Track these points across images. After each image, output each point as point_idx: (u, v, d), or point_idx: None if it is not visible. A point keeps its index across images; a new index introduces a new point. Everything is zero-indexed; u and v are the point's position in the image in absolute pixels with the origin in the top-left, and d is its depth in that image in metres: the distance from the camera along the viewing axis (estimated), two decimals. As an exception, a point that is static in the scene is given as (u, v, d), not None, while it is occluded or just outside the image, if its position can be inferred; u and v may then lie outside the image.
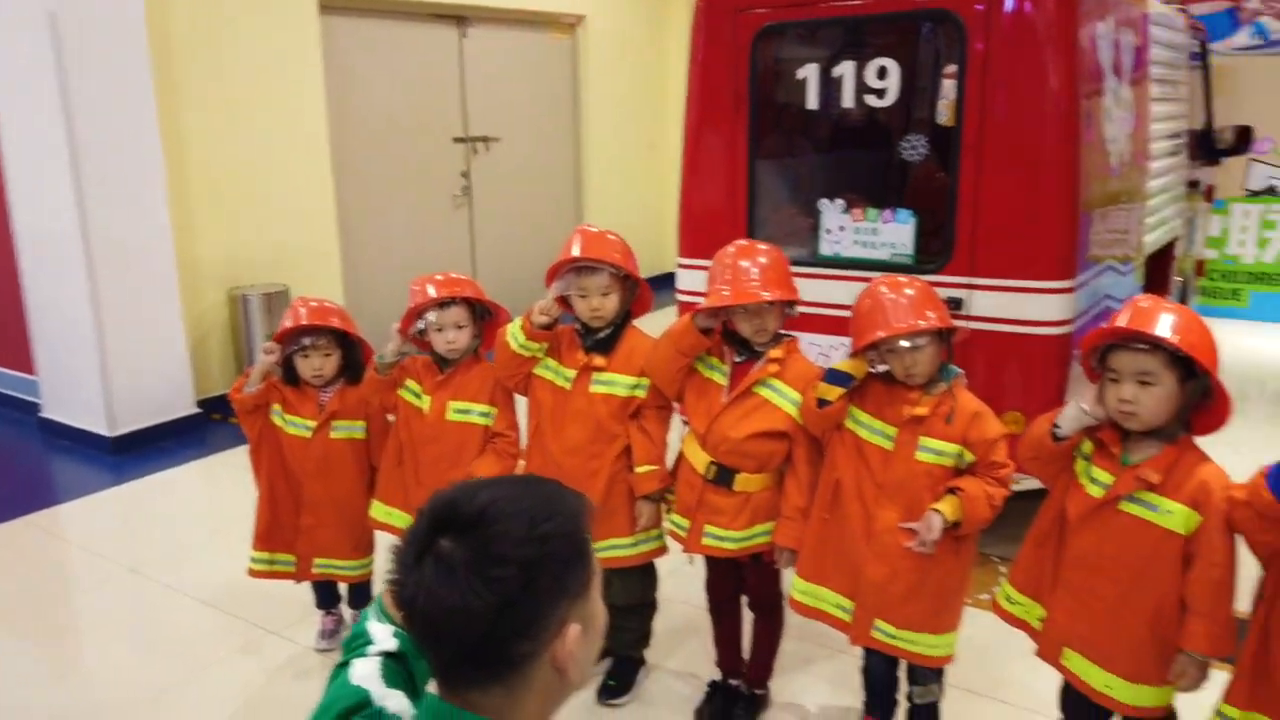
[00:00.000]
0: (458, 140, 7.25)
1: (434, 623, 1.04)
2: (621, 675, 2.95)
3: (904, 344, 2.33)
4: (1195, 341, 2.02)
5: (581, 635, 1.09)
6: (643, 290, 2.77)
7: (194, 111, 5.47)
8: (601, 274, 2.65)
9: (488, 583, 1.02)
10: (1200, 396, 2.09)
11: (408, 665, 1.25)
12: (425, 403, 2.88)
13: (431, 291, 2.79)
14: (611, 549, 2.76)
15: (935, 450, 2.38)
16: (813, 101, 3.75)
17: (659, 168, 9.03)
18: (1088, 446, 2.20)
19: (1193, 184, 5.67)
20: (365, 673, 1.21)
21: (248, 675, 3.13)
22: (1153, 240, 4.73)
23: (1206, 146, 6.03)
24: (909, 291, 2.38)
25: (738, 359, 2.60)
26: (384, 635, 1.27)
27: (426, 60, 6.95)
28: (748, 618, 2.84)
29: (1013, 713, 2.82)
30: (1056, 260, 3.40)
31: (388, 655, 1.25)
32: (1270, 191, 7.42)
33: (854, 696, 2.74)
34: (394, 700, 1.17)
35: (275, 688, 3.06)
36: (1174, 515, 2.06)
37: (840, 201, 3.76)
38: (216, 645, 3.29)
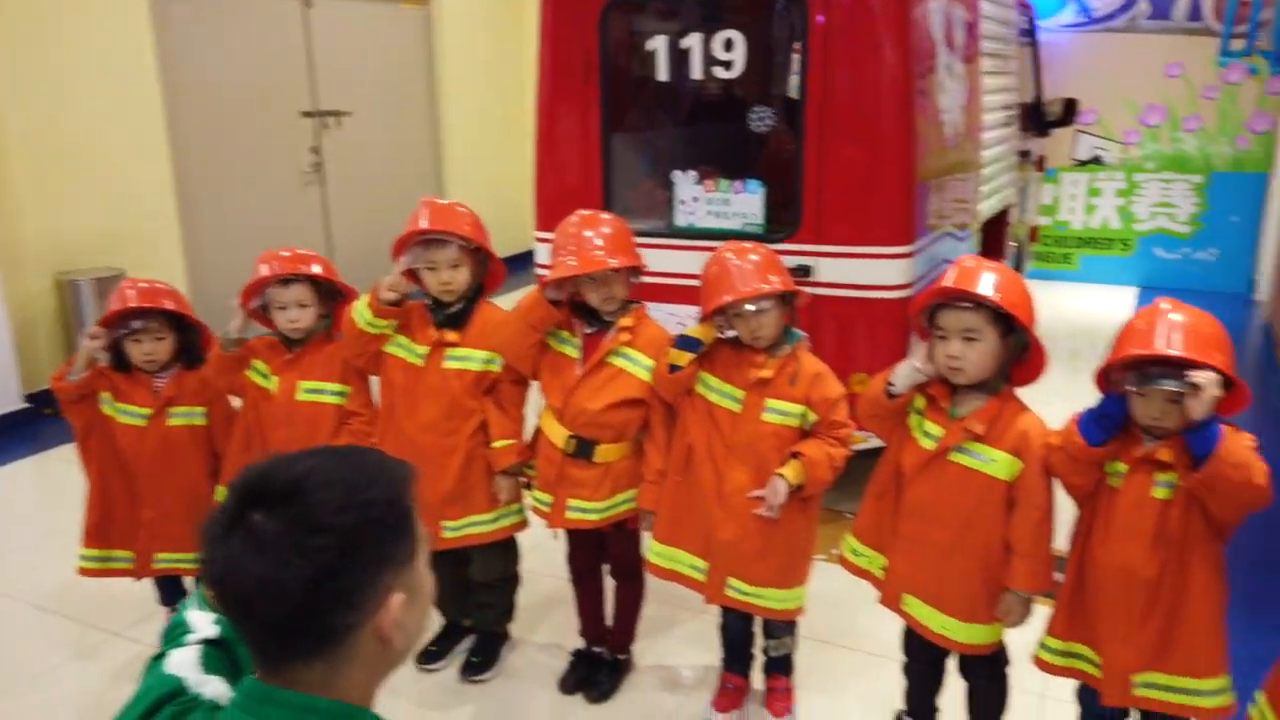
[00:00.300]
0: (306, 115, 6.96)
1: (245, 598, 1.01)
2: (485, 651, 2.94)
3: (749, 308, 2.39)
4: (1014, 299, 2.14)
5: (406, 603, 1.08)
6: (495, 264, 2.74)
7: (11, 87, 5.06)
8: (450, 247, 2.60)
9: (303, 553, 0.99)
10: (1020, 351, 2.23)
11: (231, 651, 1.20)
12: (273, 383, 2.78)
13: (264, 270, 2.68)
14: (471, 526, 2.74)
15: (780, 411, 2.45)
16: (663, 73, 3.78)
17: (523, 142, 8.91)
18: (920, 402, 2.31)
19: (1024, 154, 6.01)
20: (181, 661, 1.16)
21: (86, 680, 2.96)
22: (988, 208, 4.99)
23: (1037, 118, 6.40)
24: (753, 257, 2.44)
25: (588, 330, 2.60)
26: (204, 623, 1.22)
27: (268, 31, 6.63)
28: (611, 585, 2.88)
29: (862, 659, 2.96)
30: (895, 227, 3.55)
31: (209, 642, 1.20)
32: (1096, 161, 7.94)
33: (714, 654, 2.81)
34: (211, 686, 1.13)
35: (119, 690, 2.90)
36: (998, 463, 2.19)
37: (693, 173, 3.81)
38: (51, 651, 3.10)
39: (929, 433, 2.27)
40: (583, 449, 2.58)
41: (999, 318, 2.16)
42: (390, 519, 1.08)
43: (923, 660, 2.50)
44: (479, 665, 2.90)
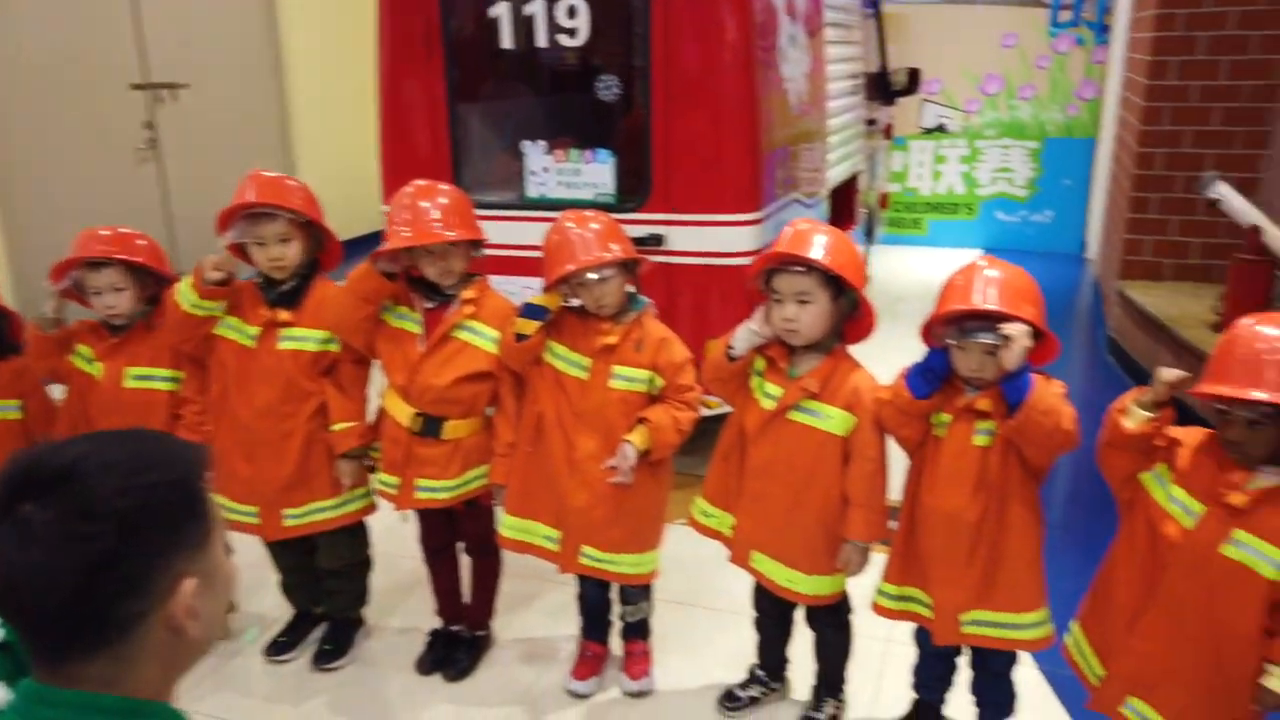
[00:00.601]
0: (137, 87, 6.53)
1: (15, 592, 0.95)
2: (337, 639, 2.87)
3: (592, 276, 2.38)
4: (844, 262, 2.21)
5: (200, 590, 1.03)
6: (330, 240, 2.64)
7: None
8: (279, 220, 2.49)
9: (76, 540, 0.94)
10: (851, 310, 2.30)
11: (15, 655, 1.12)
12: (98, 369, 2.61)
13: (78, 249, 2.51)
14: (315, 513, 2.65)
15: (627, 378, 2.46)
16: (507, 41, 3.70)
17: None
18: (760, 364, 2.36)
19: (871, 122, 6.19)
20: None
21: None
22: (836, 175, 5.12)
23: (883, 88, 6.60)
24: (594, 226, 2.43)
25: (428, 305, 2.54)
26: None
27: (88, -3, 6.18)
28: (467, 563, 2.84)
29: (718, 617, 3.02)
30: (742, 194, 3.60)
31: None
32: (941, 129, 8.27)
33: (574, 625, 2.82)
34: None
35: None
36: (833, 419, 2.26)
37: (542, 143, 3.77)
38: None
39: (769, 393, 2.32)
40: (430, 426, 2.53)
41: (830, 280, 2.22)
42: (177, 501, 1.02)
43: (772, 614, 2.58)
44: (331, 653, 2.82)
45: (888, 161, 7.79)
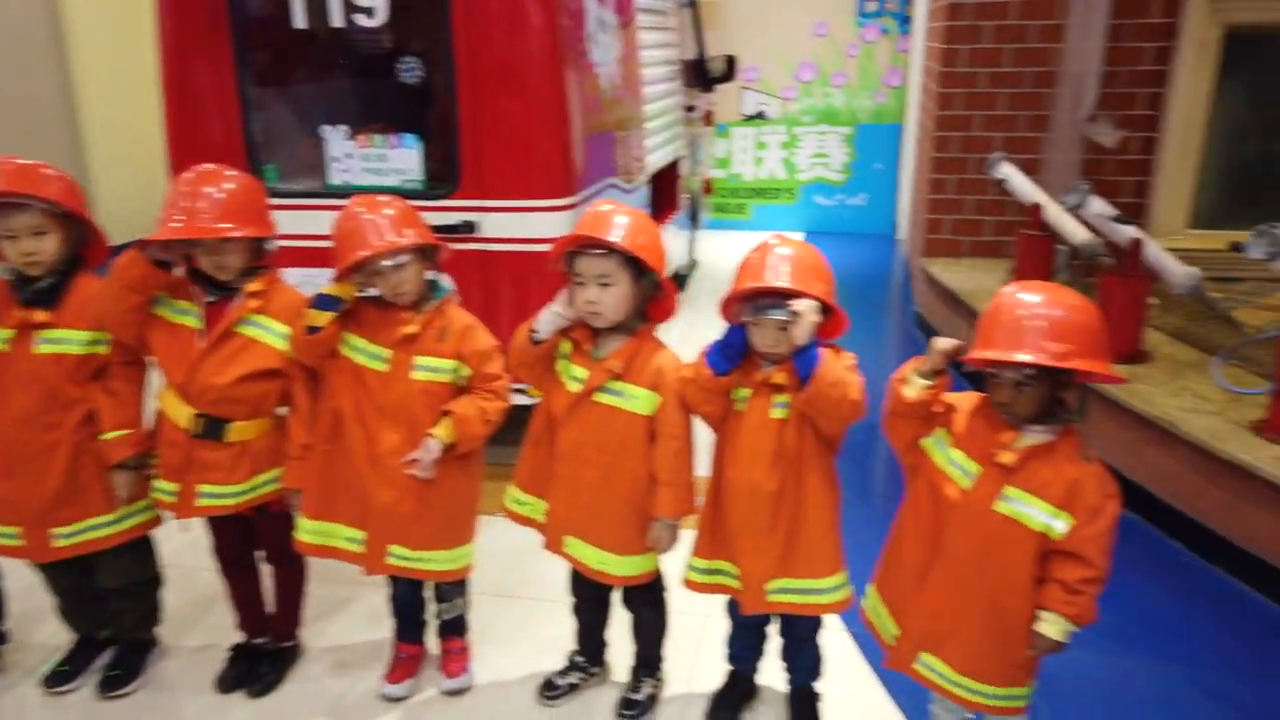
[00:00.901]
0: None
1: None
2: (126, 662, 2.65)
3: (386, 263, 2.29)
4: (644, 243, 2.20)
5: None
6: (94, 234, 2.42)
7: None
8: (30, 211, 2.27)
9: None
10: (654, 291, 2.30)
11: None
12: None
13: None
14: (89, 530, 2.45)
15: (430, 368, 2.38)
16: (300, 20, 3.52)
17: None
18: (566, 347, 2.33)
19: (690, 109, 6.27)
20: None
21: None
22: (656, 160, 5.16)
23: (701, 75, 6.70)
24: (388, 211, 2.33)
25: (209, 299, 2.38)
26: None
27: None
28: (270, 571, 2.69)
29: (538, 606, 2.99)
30: (554, 180, 3.56)
31: None
32: (760, 115, 8.49)
33: (388, 628, 2.71)
34: None
35: None
36: (638, 399, 2.26)
37: (343, 128, 3.60)
38: None
39: (575, 376, 2.30)
40: (212, 428, 2.37)
41: (631, 262, 2.21)
42: None
43: (588, 599, 2.57)
44: (119, 678, 2.61)
45: (710, 148, 7.93)
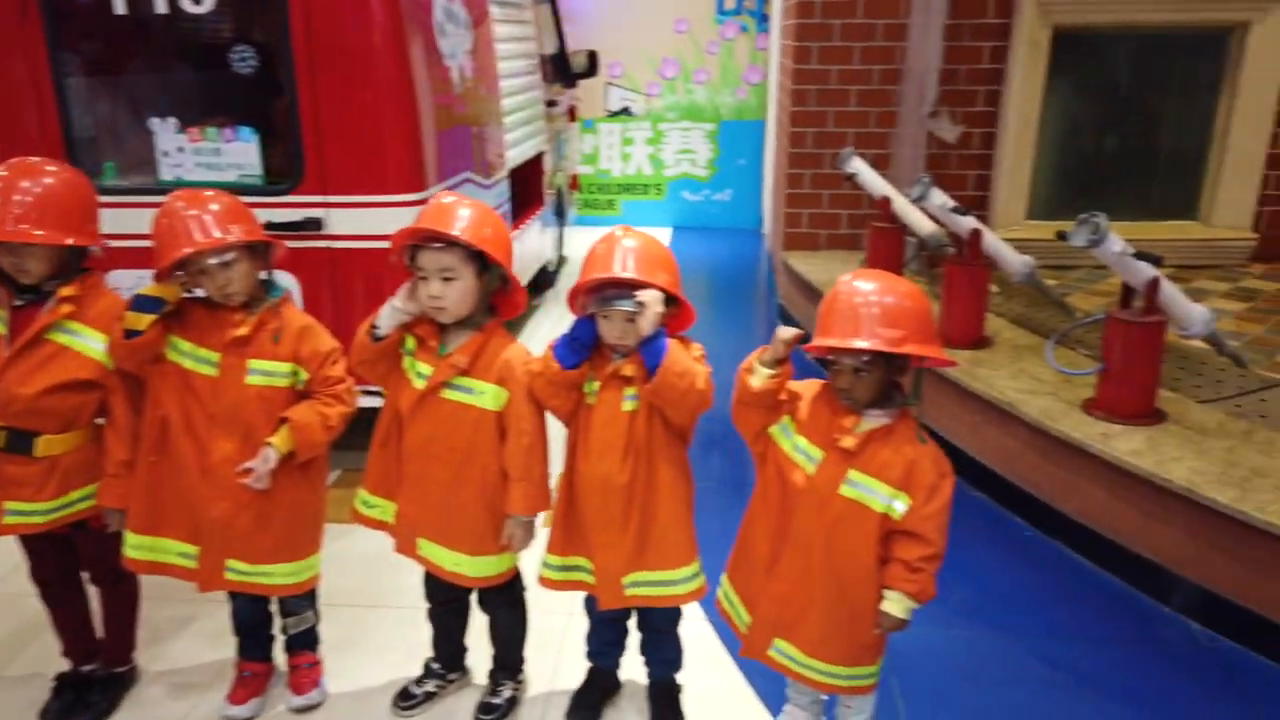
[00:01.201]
0: None
1: None
2: (-69, 701, 2.44)
3: (211, 261, 2.16)
4: (486, 237, 2.15)
5: None
6: None
7: None
8: None
9: None
10: (500, 285, 2.25)
11: None
12: None
13: None
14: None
15: (265, 371, 2.27)
16: (120, 6, 3.30)
17: None
18: (411, 343, 2.26)
19: (552, 104, 6.22)
20: None
21: None
22: (517, 155, 5.10)
23: (563, 70, 6.66)
24: (213, 206, 2.20)
25: (17, 303, 2.20)
26: None
27: None
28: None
29: (396, 614, 2.90)
30: (404, 174, 3.46)
31: None
32: (626, 111, 8.52)
33: (233, 647, 2.57)
34: None
35: None
36: (486, 395, 2.21)
37: (173, 121, 3.40)
38: None
39: (421, 372, 2.23)
40: (17, 441, 2.19)
41: (475, 255, 2.16)
42: None
43: (445, 602, 2.50)
44: (-76, 720, 2.40)
45: (576, 144, 7.90)
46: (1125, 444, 3.11)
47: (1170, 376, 3.67)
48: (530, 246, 5.63)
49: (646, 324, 2.03)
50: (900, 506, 1.96)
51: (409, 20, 3.43)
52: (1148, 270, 3.15)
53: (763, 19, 8.09)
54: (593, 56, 6.88)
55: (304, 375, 2.31)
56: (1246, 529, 2.72)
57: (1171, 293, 3.25)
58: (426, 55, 3.60)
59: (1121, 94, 5.68)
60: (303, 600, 2.52)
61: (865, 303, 1.91)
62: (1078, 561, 3.27)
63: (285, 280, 3.52)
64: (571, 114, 7.19)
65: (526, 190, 5.76)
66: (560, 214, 6.82)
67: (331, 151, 3.38)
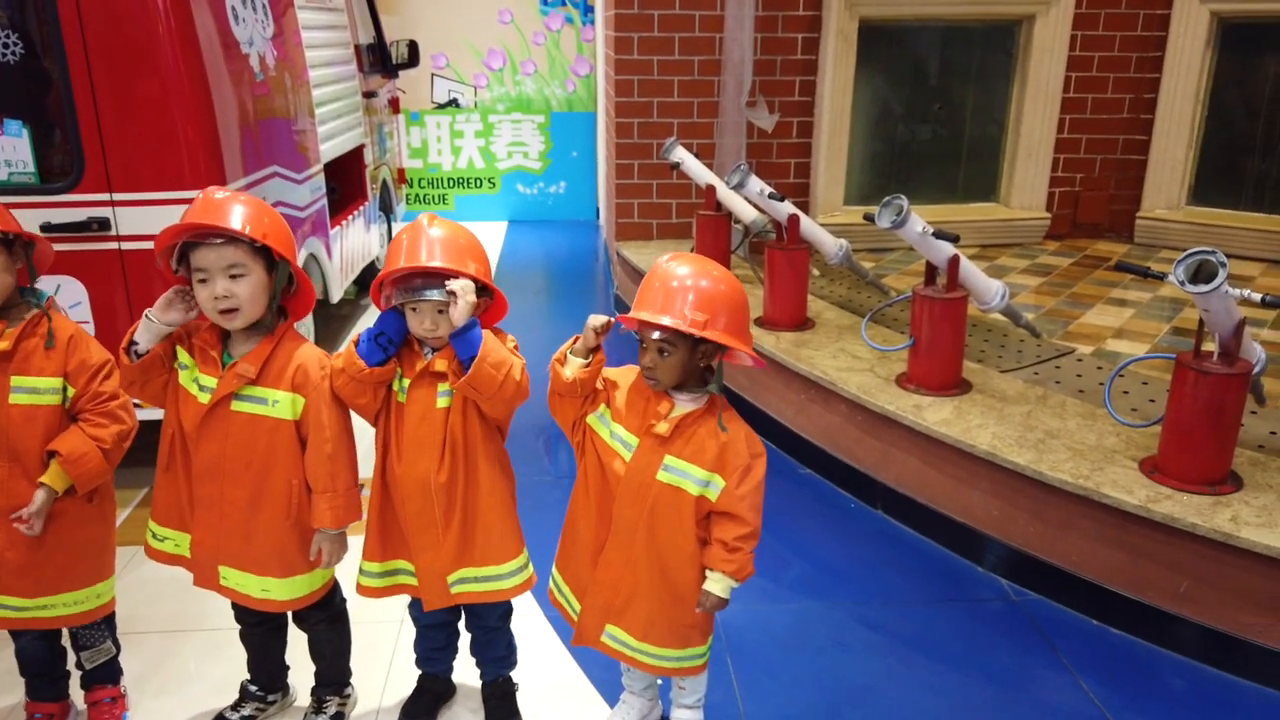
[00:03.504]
0: None
1: None
2: None
3: None
4: (268, 230, 2.02)
5: None
6: None
7: None
8: None
9: None
10: (289, 282, 2.12)
11: None
12: None
13: None
14: None
15: (30, 389, 2.07)
16: None
17: None
18: (186, 357, 2.09)
19: (370, 94, 6.00)
20: None
21: None
22: (330, 148, 4.87)
23: (383, 60, 6.43)
24: None
25: None
26: None
27: None
28: None
29: (209, 638, 2.72)
30: (199, 168, 3.23)
31: None
32: (454, 104, 8.33)
33: (21, 689, 2.34)
34: None
35: None
36: (281, 403, 2.08)
37: (-76, 114, 3.06)
38: None
39: (204, 385, 2.07)
40: None
41: (261, 251, 2.03)
42: None
43: (257, 623, 2.35)
44: None
45: (402, 137, 7.67)
46: (935, 414, 3.27)
47: (976, 349, 3.89)
48: (355, 242, 5.42)
49: (460, 314, 1.96)
50: (715, 488, 1.98)
51: (196, 4, 3.20)
52: (947, 249, 3.32)
53: (587, 10, 8.07)
54: (413, 46, 6.67)
55: (71, 391, 2.11)
56: (1043, 487, 2.91)
57: (970, 269, 3.44)
58: (221, 41, 3.38)
59: (927, 83, 6.00)
60: (97, 629, 2.32)
61: (680, 284, 1.91)
62: (898, 529, 3.42)
63: (72, 288, 3.26)
64: (395, 106, 6.96)
65: (347, 184, 5.53)
66: (387, 209, 6.60)
67: (115, 145, 3.12)
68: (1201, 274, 2.44)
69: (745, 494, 1.97)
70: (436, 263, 1.98)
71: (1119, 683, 2.62)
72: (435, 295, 1.98)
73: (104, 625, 2.33)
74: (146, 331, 2.01)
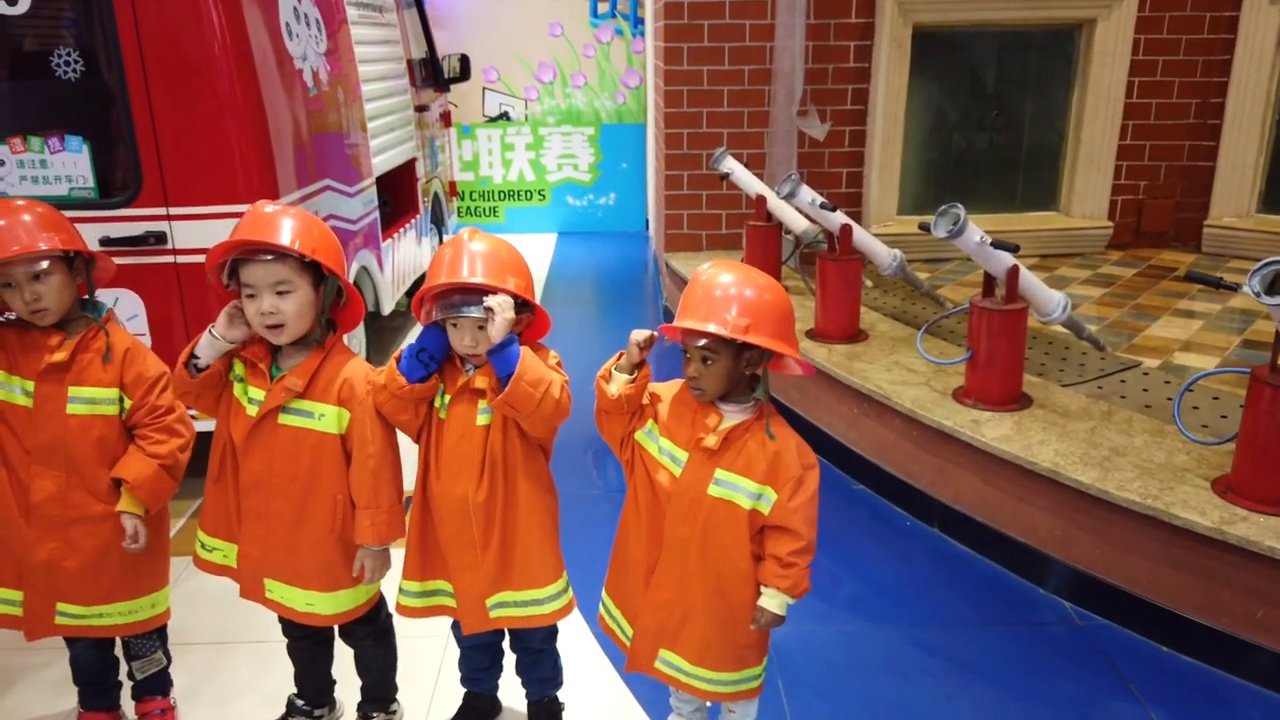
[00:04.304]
0: None
1: None
2: None
3: (21, 272, 2.01)
4: (317, 245, 2.01)
5: None
6: None
7: None
8: None
9: None
10: (336, 296, 2.12)
11: None
12: None
13: None
14: None
15: (88, 399, 2.09)
16: (-79, 6, 3.02)
17: None
18: (240, 369, 2.10)
19: (423, 108, 6.05)
20: None
21: None
22: (382, 162, 4.92)
23: (435, 74, 6.49)
24: (25, 216, 2.03)
25: None
26: None
27: None
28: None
29: (258, 650, 2.72)
30: (254, 182, 3.27)
31: None
32: (505, 117, 8.38)
33: (75, 696, 2.37)
34: None
35: None
36: (327, 417, 2.07)
37: (-11, 131, 3.14)
38: None
39: (253, 398, 2.07)
40: None
41: (309, 266, 2.02)
42: None
43: (304, 637, 2.34)
44: None
45: (453, 150, 7.73)
46: (994, 430, 3.17)
47: (1036, 362, 3.78)
48: (407, 255, 5.46)
49: (496, 331, 1.92)
50: (768, 501, 1.92)
51: (251, 21, 3.24)
52: (1006, 259, 3.22)
53: (637, 22, 8.08)
54: (464, 60, 6.73)
55: (128, 403, 2.13)
56: (1108, 506, 2.79)
57: (1030, 280, 3.33)
58: (275, 57, 3.42)
59: (983, 90, 5.87)
60: (149, 640, 2.33)
61: (723, 292, 1.86)
62: (955, 548, 3.32)
63: (129, 301, 3.31)
64: (446, 119, 7.02)
65: (400, 198, 5.58)
66: (438, 222, 6.65)
67: (172, 160, 3.17)
68: (1279, 285, 2.32)
69: (798, 506, 1.91)
70: (476, 278, 1.94)
71: (1191, 714, 2.50)
72: (473, 312, 1.94)
73: (156, 635, 2.35)
74: (209, 347, 2.02)
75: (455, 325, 2.00)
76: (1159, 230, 5.97)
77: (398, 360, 2.03)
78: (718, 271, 1.90)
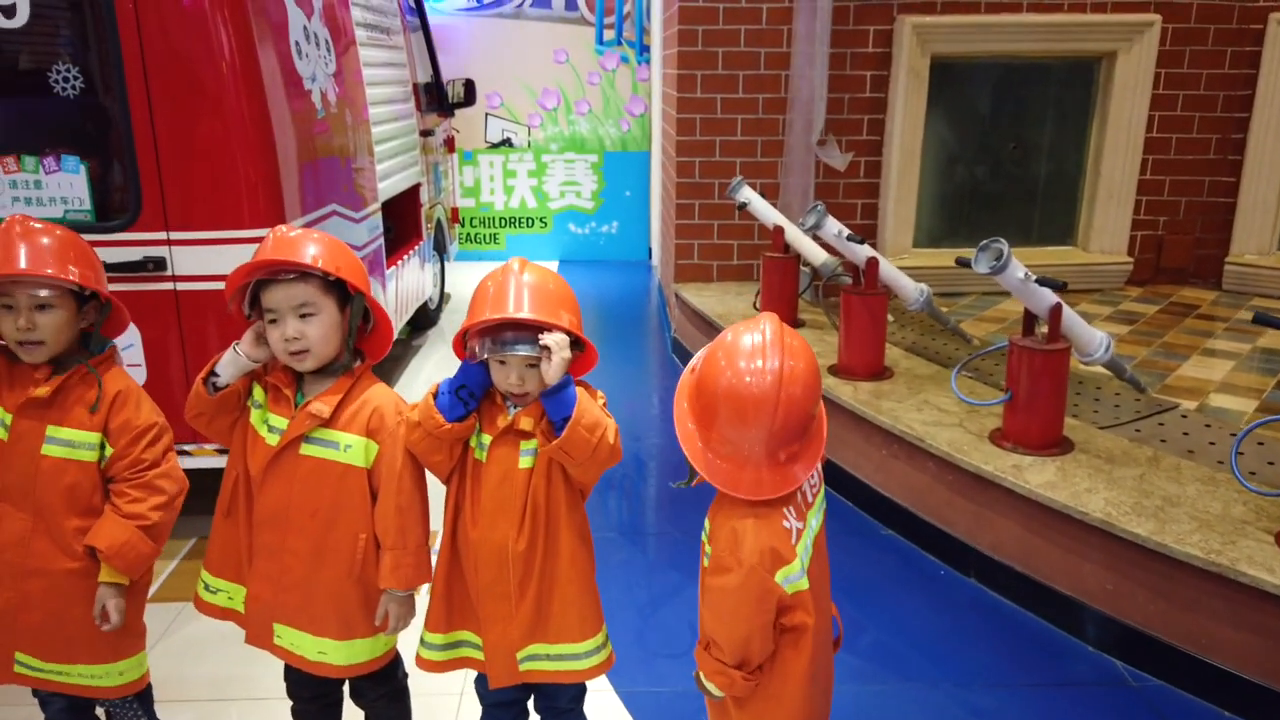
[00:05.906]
0: None
1: None
2: None
3: (23, 296, 1.84)
4: (341, 263, 1.88)
5: None
6: None
7: None
8: None
9: None
10: (364, 321, 1.97)
11: None
12: None
13: None
14: None
15: (66, 441, 1.93)
16: (-88, 17, 2.86)
17: None
18: (260, 395, 1.94)
19: (427, 133, 5.92)
20: None
21: None
22: (388, 187, 4.78)
23: (439, 99, 6.37)
24: (45, 240, 1.91)
25: None
26: None
27: None
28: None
29: (255, 709, 2.52)
30: (259, 207, 3.11)
31: None
32: (507, 143, 8.27)
33: (52, 764, 2.16)
34: None
35: None
36: (353, 449, 1.91)
37: (-19, 149, 2.97)
38: None
39: (274, 426, 1.91)
40: None
41: (333, 287, 1.87)
42: None
43: (311, 698, 2.15)
44: None
45: (455, 175, 7.61)
46: (1037, 476, 3.01)
47: (1069, 403, 3.63)
48: (410, 282, 5.30)
49: (554, 373, 1.76)
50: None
51: (261, 38, 3.10)
52: (1050, 296, 3.08)
53: (643, 50, 7.99)
54: (469, 85, 6.62)
55: (109, 450, 1.95)
56: (1167, 561, 2.63)
57: (1073, 319, 3.19)
58: (284, 78, 3.27)
59: (1001, 122, 5.78)
60: (128, 705, 2.14)
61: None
62: (995, 600, 3.14)
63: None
64: (449, 145, 6.89)
65: (403, 224, 5.44)
66: (441, 249, 6.50)
67: (174, 182, 3.01)
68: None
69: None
70: (527, 314, 1.78)
71: (1265, 787, 2.32)
72: (526, 351, 1.78)
73: (135, 701, 2.15)
74: (231, 365, 1.88)
75: (502, 363, 1.83)
76: (1179, 266, 5.86)
77: (434, 396, 1.86)
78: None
